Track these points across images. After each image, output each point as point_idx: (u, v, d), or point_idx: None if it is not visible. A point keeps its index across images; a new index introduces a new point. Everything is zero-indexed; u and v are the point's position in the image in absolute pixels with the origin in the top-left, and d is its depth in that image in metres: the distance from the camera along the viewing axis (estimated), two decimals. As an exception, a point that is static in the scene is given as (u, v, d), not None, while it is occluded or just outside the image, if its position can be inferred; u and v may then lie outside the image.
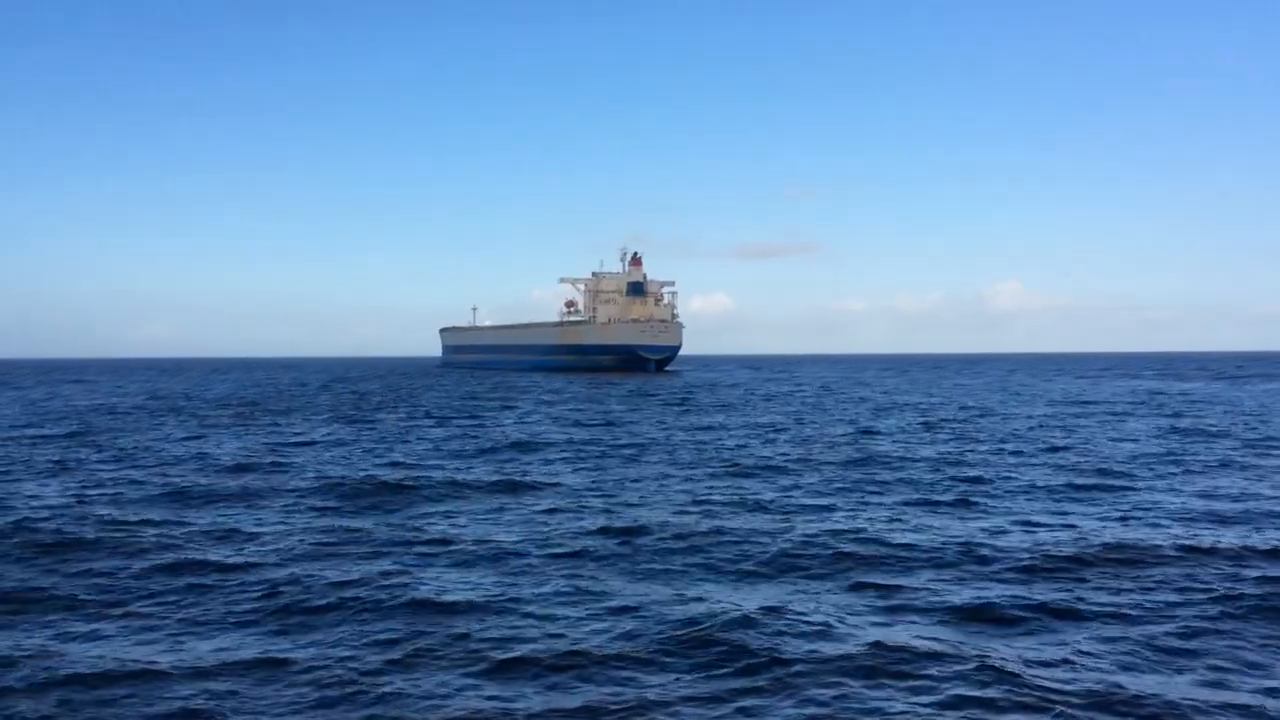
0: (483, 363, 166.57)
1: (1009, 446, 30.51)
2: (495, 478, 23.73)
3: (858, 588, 12.99)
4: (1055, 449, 29.64)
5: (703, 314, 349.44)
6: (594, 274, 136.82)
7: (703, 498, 20.55)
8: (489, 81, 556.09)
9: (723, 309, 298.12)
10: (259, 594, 12.74)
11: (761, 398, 63.61)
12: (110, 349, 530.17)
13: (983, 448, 30.23)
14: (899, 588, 12.92)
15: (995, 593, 12.57)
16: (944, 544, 15.51)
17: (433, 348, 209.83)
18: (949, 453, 28.85)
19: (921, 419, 42.53)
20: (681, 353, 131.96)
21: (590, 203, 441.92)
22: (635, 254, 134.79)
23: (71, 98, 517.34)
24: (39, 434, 37.40)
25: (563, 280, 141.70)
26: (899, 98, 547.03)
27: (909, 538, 16.01)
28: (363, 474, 24.36)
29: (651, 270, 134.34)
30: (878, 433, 35.81)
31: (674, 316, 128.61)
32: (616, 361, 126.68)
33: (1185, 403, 53.96)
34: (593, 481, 23.17)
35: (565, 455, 29.12)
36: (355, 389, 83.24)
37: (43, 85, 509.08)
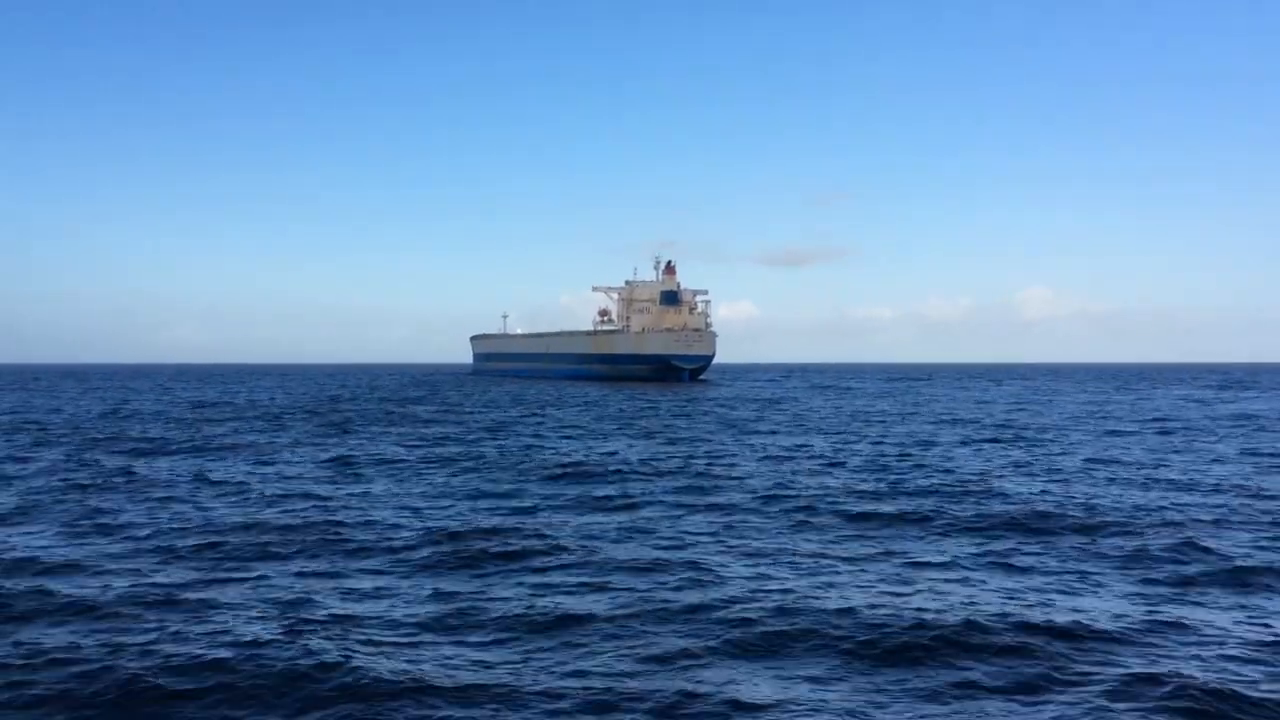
0: (514, 371, 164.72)
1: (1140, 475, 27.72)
2: (589, 515, 21.18)
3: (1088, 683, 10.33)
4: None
5: (730, 321, 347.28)
6: (627, 282, 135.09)
7: (835, 551, 17.92)
8: (509, 84, 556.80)
9: (749, 316, 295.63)
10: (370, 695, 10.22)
11: (836, 413, 60.78)
12: (125, 354, 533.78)
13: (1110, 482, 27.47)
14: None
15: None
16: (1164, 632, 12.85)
17: (461, 354, 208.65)
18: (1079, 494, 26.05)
19: (1000, 436, 39.70)
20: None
21: (613, 207, 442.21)
22: (669, 262, 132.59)
23: (93, 98, 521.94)
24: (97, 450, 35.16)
25: (595, 289, 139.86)
26: (920, 101, 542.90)
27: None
28: (448, 513, 21.84)
29: (679, 276, 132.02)
30: (966, 456, 33.02)
31: (708, 325, 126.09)
32: (650, 371, 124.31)
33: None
34: (710, 527, 20.56)
35: (642, 475, 26.78)
36: (395, 396, 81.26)
37: (68, 87, 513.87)
